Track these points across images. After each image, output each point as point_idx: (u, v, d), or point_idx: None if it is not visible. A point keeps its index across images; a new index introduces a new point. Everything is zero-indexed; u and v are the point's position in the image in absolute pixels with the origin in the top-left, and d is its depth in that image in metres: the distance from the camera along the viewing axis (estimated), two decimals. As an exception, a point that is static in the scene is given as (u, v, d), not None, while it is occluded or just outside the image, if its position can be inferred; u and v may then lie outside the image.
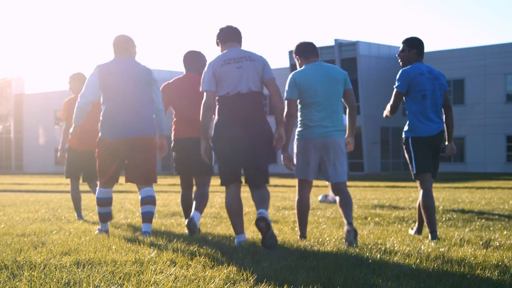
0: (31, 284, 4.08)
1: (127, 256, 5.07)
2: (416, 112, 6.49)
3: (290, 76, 6.14)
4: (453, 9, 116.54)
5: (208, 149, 5.86)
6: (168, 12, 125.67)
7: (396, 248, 5.70)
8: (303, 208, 6.27)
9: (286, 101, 6.06)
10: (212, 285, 4.11)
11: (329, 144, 6.04)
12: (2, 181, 30.20)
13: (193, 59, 7.12)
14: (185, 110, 6.96)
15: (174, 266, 4.72)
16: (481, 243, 6.14)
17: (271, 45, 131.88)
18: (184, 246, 5.69)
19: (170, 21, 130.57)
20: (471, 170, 40.30)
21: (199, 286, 4.10)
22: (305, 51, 6.21)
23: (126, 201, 13.01)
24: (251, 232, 7.07)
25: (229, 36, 5.92)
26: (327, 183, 6.44)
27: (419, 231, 6.93)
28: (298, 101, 6.14)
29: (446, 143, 6.76)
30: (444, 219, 8.87)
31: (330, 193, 11.99)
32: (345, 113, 7.57)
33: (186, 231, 6.91)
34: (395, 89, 6.49)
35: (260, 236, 6.44)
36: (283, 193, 16.67)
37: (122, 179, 33.01)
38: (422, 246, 5.80)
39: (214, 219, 8.76)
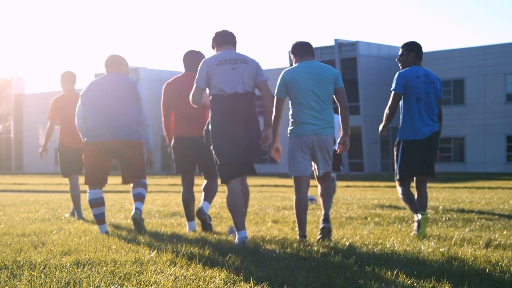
0: (31, 284, 4.08)
1: (127, 256, 5.07)
2: (409, 114, 6.64)
3: (282, 74, 6.27)
4: (453, 9, 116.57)
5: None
6: (168, 12, 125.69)
7: (396, 248, 5.70)
8: (301, 207, 6.30)
9: (275, 98, 6.26)
10: (212, 285, 4.11)
11: (319, 141, 6.19)
12: (2, 181, 30.20)
13: (193, 58, 7.20)
14: (185, 109, 7.00)
15: (174, 266, 4.72)
16: (481, 243, 6.14)
17: (271, 45, 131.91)
18: (184, 246, 5.69)
19: (170, 21, 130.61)
20: (471, 170, 40.31)
21: (199, 286, 4.10)
22: (300, 50, 6.31)
23: (126, 201, 13.01)
24: (252, 233, 7.07)
25: (225, 39, 6.18)
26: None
27: (416, 210, 6.91)
28: (289, 98, 6.26)
29: None
30: (444, 219, 8.87)
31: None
32: (337, 112, 7.59)
33: (194, 228, 7.14)
34: (392, 92, 6.65)
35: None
36: (283, 193, 16.67)
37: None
38: (422, 246, 5.80)
39: (214, 219, 8.76)
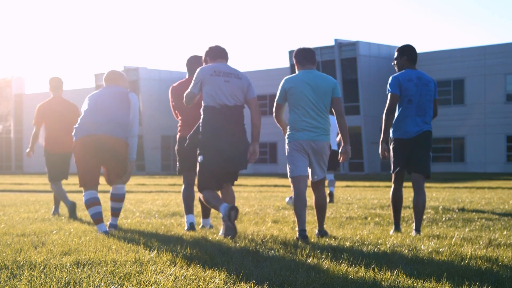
0: (31, 284, 4.08)
1: (127, 256, 5.07)
2: (401, 115, 6.93)
3: (282, 81, 6.59)
4: (453, 9, 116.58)
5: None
6: (168, 12, 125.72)
7: (396, 248, 5.70)
8: (301, 203, 6.48)
9: (275, 103, 6.65)
10: (212, 285, 4.11)
11: (314, 147, 6.48)
12: (2, 181, 30.21)
13: (196, 63, 7.39)
14: (191, 112, 7.20)
15: (174, 266, 4.72)
16: (481, 243, 6.14)
17: (271, 45, 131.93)
18: (184, 246, 5.69)
19: (170, 21, 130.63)
20: (471, 170, 40.31)
21: (199, 286, 4.10)
22: (303, 58, 6.61)
23: (126, 201, 13.01)
24: (252, 233, 7.07)
25: (219, 54, 6.55)
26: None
27: (397, 227, 7.24)
28: (288, 105, 6.58)
29: None
30: (444, 219, 8.88)
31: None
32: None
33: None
34: (389, 94, 6.89)
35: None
36: (283, 193, 16.67)
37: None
38: (422, 246, 5.80)
39: (214, 219, 8.76)
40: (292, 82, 6.51)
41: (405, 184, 14.82)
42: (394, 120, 6.98)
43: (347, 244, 6.02)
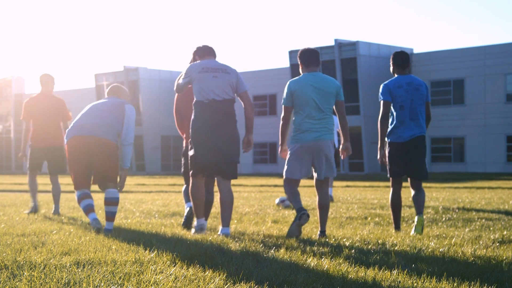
0: (31, 284, 4.08)
1: (127, 256, 5.07)
2: (395, 120, 7.16)
3: (288, 84, 6.72)
4: (453, 9, 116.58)
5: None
6: (168, 12, 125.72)
7: (396, 248, 5.71)
8: (293, 192, 6.72)
9: (282, 107, 6.75)
10: (212, 285, 4.11)
11: (319, 146, 6.62)
12: (2, 181, 30.21)
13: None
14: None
15: (174, 266, 4.72)
16: (481, 243, 6.14)
17: (271, 45, 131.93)
18: (184, 246, 5.69)
19: (170, 21, 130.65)
20: (471, 170, 40.29)
21: (199, 286, 4.10)
22: (307, 59, 6.74)
23: (126, 201, 13.01)
24: (252, 233, 7.07)
25: (207, 51, 6.75)
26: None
27: (397, 227, 7.37)
28: (293, 107, 6.71)
29: None
30: (444, 219, 8.88)
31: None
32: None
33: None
34: (381, 101, 7.15)
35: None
36: (283, 193, 16.66)
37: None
38: (422, 246, 5.80)
39: (214, 219, 8.76)
40: (297, 85, 6.65)
41: (405, 184, 14.83)
42: (390, 125, 7.20)
43: (347, 244, 6.02)
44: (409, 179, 7.33)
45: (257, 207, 11.20)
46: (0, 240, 6.09)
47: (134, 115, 7.20)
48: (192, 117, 6.59)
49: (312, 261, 4.95)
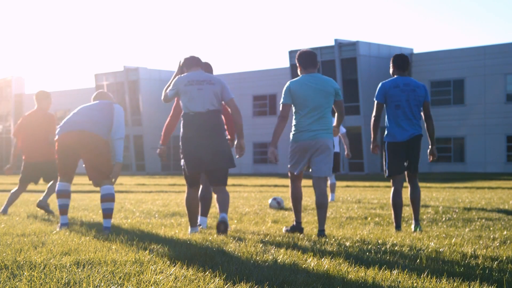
0: (31, 284, 4.08)
1: (127, 256, 5.07)
2: (390, 120, 7.44)
3: (287, 84, 6.87)
4: (453, 9, 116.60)
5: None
6: (168, 12, 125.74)
7: (396, 248, 5.71)
8: (297, 196, 7.05)
9: (281, 105, 6.86)
10: (212, 285, 4.11)
11: (316, 144, 6.78)
12: (2, 181, 30.20)
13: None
14: None
15: (174, 266, 4.72)
16: (481, 243, 6.14)
17: (271, 45, 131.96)
18: (184, 246, 5.69)
19: (170, 21, 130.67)
20: (471, 170, 40.29)
21: (199, 286, 4.10)
22: (305, 61, 6.89)
23: (126, 201, 13.01)
24: (251, 233, 7.08)
25: (193, 63, 6.97)
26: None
27: (398, 226, 7.50)
28: (293, 107, 6.87)
29: (429, 147, 7.68)
30: (444, 219, 8.88)
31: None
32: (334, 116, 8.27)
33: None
34: (375, 102, 7.46)
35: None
36: (283, 193, 16.67)
37: (124, 180, 32.96)
38: (422, 246, 5.80)
39: (214, 219, 8.77)
40: (297, 86, 6.80)
41: (405, 184, 14.90)
42: (386, 124, 7.48)
43: (347, 244, 6.02)
44: (406, 176, 7.60)
45: (257, 207, 11.20)
46: (0, 240, 6.09)
47: (123, 113, 7.36)
48: (181, 130, 6.87)
49: (312, 261, 4.95)
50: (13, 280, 4.20)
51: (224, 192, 6.85)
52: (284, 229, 7.21)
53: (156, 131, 52.28)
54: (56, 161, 7.39)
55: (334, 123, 7.15)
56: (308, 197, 13.36)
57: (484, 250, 5.62)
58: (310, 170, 6.95)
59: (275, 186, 23.85)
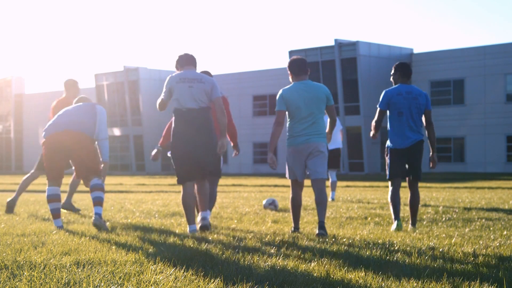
0: (31, 284, 4.08)
1: (127, 256, 5.07)
2: (393, 126, 7.72)
3: (280, 92, 7.13)
4: (453, 9, 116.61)
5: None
6: (168, 12, 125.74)
7: (396, 248, 5.71)
8: (296, 204, 7.18)
9: (276, 112, 7.13)
10: (212, 285, 4.11)
11: (310, 148, 7.03)
12: (2, 181, 30.21)
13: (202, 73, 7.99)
14: None
15: (174, 266, 4.72)
16: (481, 242, 6.14)
17: (271, 45, 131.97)
18: (184, 246, 5.69)
19: (170, 21, 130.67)
20: (471, 170, 40.29)
21: (199, 286, 4.10)
22: (296, 68, 7.16)
23: (126, 201, 13.02)
24: (252, 233, 7.08)
25: (187, 61, 7.20)
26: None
27: (396, 217, 7.71)
28: (287, 114, 7.11)
29: (430, 154, 8.01)
30: (444, 219, 8.88)
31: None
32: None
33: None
34: (378, 109, 7.73)
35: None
36: (283, 193, 16.67)
37: (124, 180, 32.96)
38: (422, 246, 5.80)
39: (214, 219, 8.77)
40: (289, 93, 7.06)
41: (405, 184, 14.95)
42: (389, 131, 7.75)
43: (347, 244, 6.02)
44: (407, 180, 7.87)
45: (257, 207, 11.20)
46: (0, 240, 6.09)
47: (105, 114, 7.60)
48: (173, 125, 7.09)
49: (312, 261, 4.95)
50: (13, 280, 4.21)
51: (207, 188, 7.14)
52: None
53: (156, 131, 52.27)
54: (45, 166, 7.48)
55: (327, 129, 7.35)
56: (308, 197, 13.36)
57: (484, 250, 5.62)
58: (308, 173, 7.14)
59: (275, 186, 23.85)
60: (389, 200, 7.82)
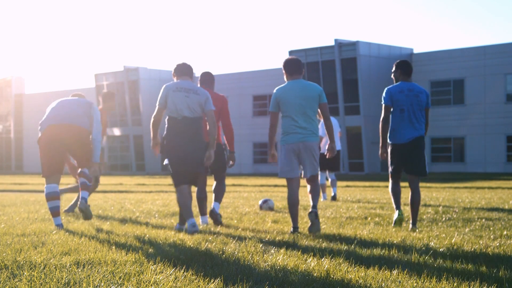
0: (31, 284, 4.08)
1: (127, 256, 5.07)
2: (395, 123, 7.85)
3: (274, 91, 7.35)
4: (453, 9, 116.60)
5: (156, 144, 7.46)
6: (168, 12, 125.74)
7: (396, 248, 5.70)
8: (293, 202, 7.26)
9: (270, 113, 7.35)
10: (212, 285, 4.11)
11: (304, 147, 7.23)
12: (2, 181, 30.21)
13: (209, 78, 8.39)
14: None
15: (174, 266, 4.72)
16: (481, 243, 6.14)
17: (271, 45, 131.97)
18: (184, 246, 5.69)
19: (170, 21, 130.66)
20: (471, 170, 40.29)
21: (199, 286, 4.10)
22: (290, 68, 7.36)
23: (126, 201, 13.02)
24: (251, 233, 7.08)
25: (183, 71, 7.46)
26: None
27: (397, 207, 7.96)
28: (280, 112, 7.31)
29: None
30: (444, 219, 8.88)
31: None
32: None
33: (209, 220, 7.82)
34: (383, 105, 7.86)
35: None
36: (283, 193, 16.67)
37: (124, 180, 32.91)
38: (422, 246, 5.80)
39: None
40: (282, 93, 7.27)
41: (405, 184, 14.94)
42: (390, 127, 7.85)
43: (347, 244, 6.02)
44: (408, 178, 7.88)
45: (257, 207, 11.20)
46: (0, 240, 6.09)
47: (99, 115, 7.74)
48: (165, 131, 7.32)
49: (312, 261, 4.96)
50: (13, 280, 4.21)
51: (203, 191, 7.58)
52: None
53: (156, 131, 52.25)
54: (42, 159, 7.48)
55: (328, 135, 7.41)
56: (307, 197, 13.34)
57: (484, 250, 5.62)
58: (301, 171, 7.37)
59: (275, 186, 23.85)
60: (389, 191, 8.08)
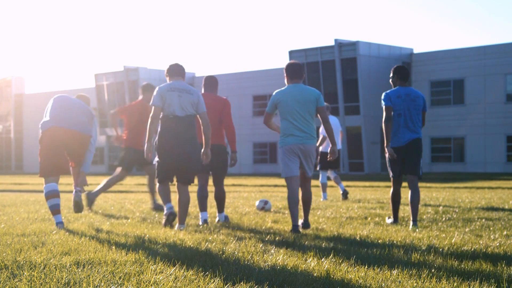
0: (31, 284, 4.08)
1: (127, 256, 5.07)
2: (393, 127, 8.10)
3: (274, 93, 7.57)
4: (453, 9, 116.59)
5: (150, 150, 7.55)
6: (168, 12, 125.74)
7: (396, 248, 5.70)
8: (293, 201, 7.40)
9: (265, 113, 7.64)
10: (212, 285, 4.11)
11: (302, 149, 7.45)
12: (2, 181, 30.21)
13: (212, 82, 8.56)
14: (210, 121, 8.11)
15: (174, 266, 4.72)
16: (481, 243, 6.14)
17: (271, 45, 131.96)
18: (184, 246, 5.69)
19: (170, 21, 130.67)
20: (471, 170, 40.29)
21: (199, 286, 4.10)
22: (291, 72, 7.59)
23: (126, 201, 13.01)
24: (251, 233, 7.08)
25: (176, 72, 7.64)
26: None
27: (395, 219, 8.37)
28: (279, 115, 7.51)
29: None
30: (444, 219, 8.88)
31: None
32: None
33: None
34: (384, 107, 8.07)
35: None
36: (283, 193, 16.67)
37: (124, 180, 32.93)
38: (422, 246, 5.80)
39: (214, 218, 8.77)
40: (281, 96, 7.49)
41: (405, 184, 14.93)
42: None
43: (347, 244, 6.02)
44: (407, 178, 8.16)
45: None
46: (0, 240, 6.09)
47: (97, 128, 7.93)
48: (159, 129, 7.49)
49: (312, 261, 4.96)
50: (13, 280, 4.21)
51: (187, 193, 7.52)
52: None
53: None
54: (42, 158, 7.56)
55: (328, 135, 7.56)
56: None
57: (484, 250, 5.62)
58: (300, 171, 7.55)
59: (275, 186, 23.85)
60: (390, 196, 8.39)
